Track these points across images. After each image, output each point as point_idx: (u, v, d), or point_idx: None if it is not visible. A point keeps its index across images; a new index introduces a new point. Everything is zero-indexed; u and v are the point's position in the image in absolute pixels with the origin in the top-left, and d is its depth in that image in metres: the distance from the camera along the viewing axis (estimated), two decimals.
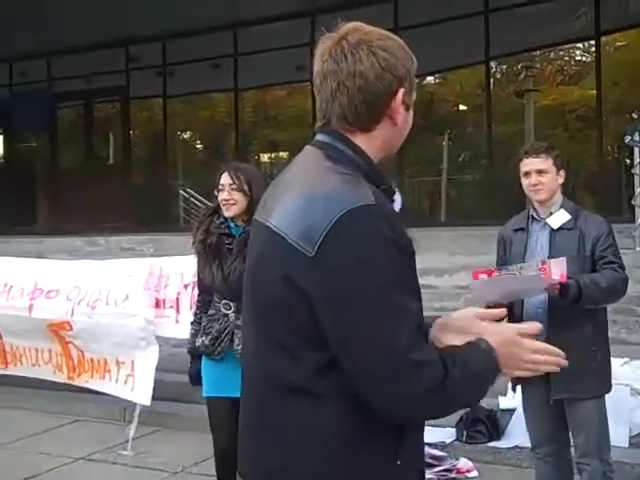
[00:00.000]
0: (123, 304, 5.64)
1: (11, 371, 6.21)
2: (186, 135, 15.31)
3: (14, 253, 6.87)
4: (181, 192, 13.58)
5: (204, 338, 3.74)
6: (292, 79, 12.96)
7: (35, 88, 14.36)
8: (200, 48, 12.70)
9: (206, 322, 3.77)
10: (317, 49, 1.61)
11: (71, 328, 5.73)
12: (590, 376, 3.32)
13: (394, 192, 1.62)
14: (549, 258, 3.31)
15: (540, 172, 3.44)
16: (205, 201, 12.96)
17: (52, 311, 5.79)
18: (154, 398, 5.45)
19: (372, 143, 1.59)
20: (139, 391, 5.50)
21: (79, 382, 5.84)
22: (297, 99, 13.85)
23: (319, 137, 1.63)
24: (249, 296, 1.63)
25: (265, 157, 15.27)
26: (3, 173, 14.68)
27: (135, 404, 5.54)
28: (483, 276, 3.41)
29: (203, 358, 3.83)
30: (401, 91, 1.58)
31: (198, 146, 15.68)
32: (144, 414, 5.54)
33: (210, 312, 3.78)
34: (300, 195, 1.53)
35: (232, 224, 3.76)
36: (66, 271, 6.11)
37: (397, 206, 1.63)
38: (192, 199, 13.39)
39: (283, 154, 14.75)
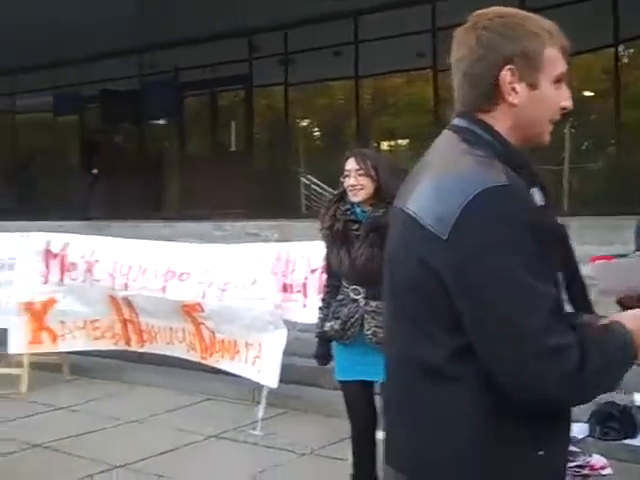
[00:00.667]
0: (251, 288, 5.79)
1: (147, 349, 6.47)
2: (307, 123, 15.44)
3: (146, 237, 7.11)
4: (302, 179, 13.74)
5: (333, 322, 3.80)
6: (412, 66, 12.89)
7: (163, 78, 14.86)
8: (321, 36, 12.80)
9: (335, 307, 3.83)
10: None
11: (203, 310, 5.92)
12: None
13: (536, 175, 1.60)
14: None
15: None
16: (326, 187, 13.14)
17: (184, 293, 6.00)
18: (281, 381, 5.57)
19: (499, 126, 1.57)
20: (266, 373, 5.63)
21: (211, 362, 6.03)
22: (417, 86, 13.75)
23: (455, 121, 1.64)
24: (388, 282, 1.65)
25: (385, 144, 15.24)
26: (134, 160, 15.24)
27: (263, 385, 5.67)
28: (600, 261, 3.32)
29: (334, 342, 3.89)
30: (506, 70, 1.54)
31: (318, 133, 15.78)
32: (272, 396, 5.67)
33: (339, 297, 3.84)
34: (434, 178, 1.54)
35: (358, 209, 3.79)
36: (197, 255, 6.30)
37: (538, 195, 1.59)
38: (313, 186, 13.54)
39: (402, 141, 14.69)
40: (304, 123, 15.42)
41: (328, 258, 3.92)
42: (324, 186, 13.20)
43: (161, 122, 15.67)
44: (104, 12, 11.96)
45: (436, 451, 1.53)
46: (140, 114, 15.48)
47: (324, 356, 4.03)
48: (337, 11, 12.17)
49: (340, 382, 3.91)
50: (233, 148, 15.33)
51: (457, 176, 1.50)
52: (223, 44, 13.77)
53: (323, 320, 3.96)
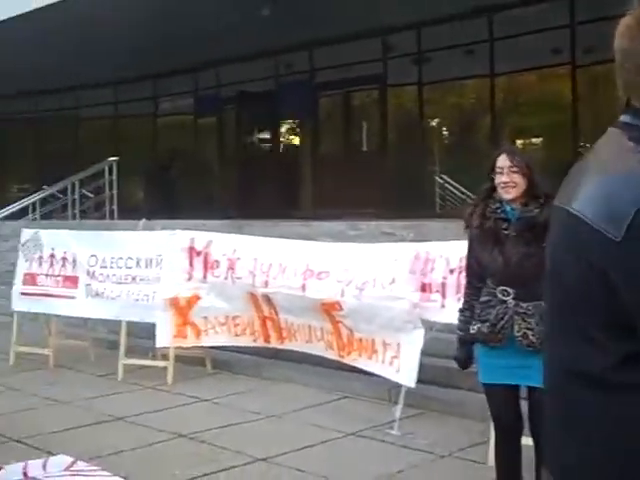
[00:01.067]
0: (390, 287, 5.80)
1: (287, 346, 6.60)
2: (440, 121, 15.32)
3: (284, 236, 7.24)
4: (437, 178, 13.65)
5: (480, 325, 3.73)
6: (548, 63, 12.57)
7: (298, 79, 15.11)
8: (455, 34, 12.69)
9: (481, 309, 3.76)
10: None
11: (341, 308, 5.99)
12: None
13: None
14: None
15: None
16: (460, 187, 13.01)
17: (323, 291, 6.08)
18: (418, 381, 5.55)
19: None
20: (404, 373, 5.63)
21: (348, 360, 6.08)
22: (552, 84, 13.40)
23: (621, 117, 1.57)
24: (549, 284, 1.61)
25: (519, 143, 14.93)
26: (272, 160, 15.56)
27: (400, 385, 5.67)
28: None
29: (479, 345, 3.83)
30: None
31: (452, 132, 15.63)
32: (409, 396, 5.66)
33: (484, 299, 3.77)
34: (600, 178, 1.48)
35: (508, 208, 3.72)
36: (335, 253, 6.37)
37: None
38: (447, 185, 13.43)
39: (536, 140, 14.34)
40: (437, 122, 15.29)
41: (477, 258, 3.85)
42: (458, 186, 13.09)
43: (296, 122, 15.89)
44: (241, 15, 12.28)
45: (595, 464, 1.47)
46: (276, 114, 15.78)
47: (466, 359, 3.98)
48: (472, 8, 12.04)
49: (485, 385, 3.85)
50: (368, 148, 15.39)
51: (625, 176, 1.45)
52: (357, 44, 13.87)
53: (466, 322, 3.89)
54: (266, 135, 16.23)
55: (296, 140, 16.18)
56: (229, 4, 12.13)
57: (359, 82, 14.76)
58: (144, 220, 7.80)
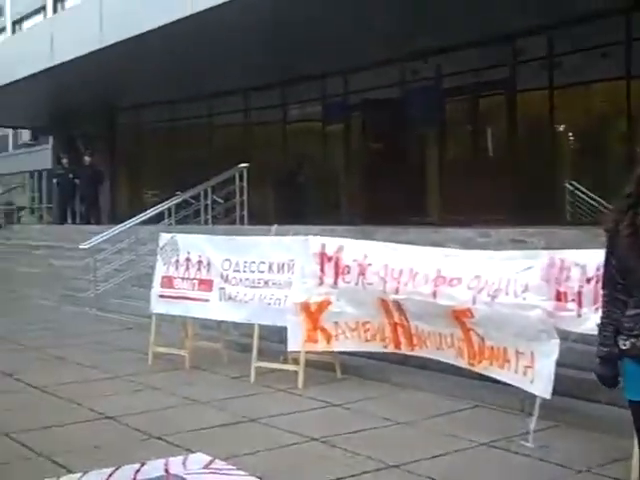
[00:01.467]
0: (523, 295, 5.70)
1: (417, 353, 6.60)
2: (571, 126, 14.92)
3: (413, 243, 7.24)
4: (567, 185, 13.32)
5: (635, 340, 3.58)
6: None
7: (425, 85, 15.08)
8: (588, 37, 12.36)
9: (634, 322, 3.62)
10: None
11: (472, 316, 5.93)
12: None
13: None
14: None
15: None
16: (590, 194, 12.64)
17: (455, 298, 6.05)
18: (552, 392, 5.43)
19: None
20: (539, 383, 5.51)
21: (479, 369, 6.02)
22: None
23: None
24: None
25: None
26: (398, 167, 15.57)
27: (534, 396, 5.56)
28: None
29: (628, 360, 3.67)
30: None
31: (583, 138, 15.18)
32: (542, 407, 5.54)
33: (631, 312, 3.63)
34: None
35: None
36: (466, 260, 6.31)
37: None
38: (577, 192, 13.08)
39: None
40: (567, 127, 14.90)
41: (625, 268, 3.70)
42: (589, 193, 12.72)
43: (423, 129, 15.82)
44: (369, 23, 12.37)
45: None
46: (402, 121, 15.79)
47: (613, 377, 3.81)
48: (607, 9, 11.70)
49: (633, 402, 3.70)
50: (494, 153, 15.18)
51: None
52: (485, 49, 13.73)
53: (610, 338, 3.74)
54: (392, 142, 16.22)
55: (422, 146, 16.10)
56: (355, 13, 12.25)
57: (486, 87, 14.60)
58: (276, 225, 7.98)
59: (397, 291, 6.47)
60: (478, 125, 15.25)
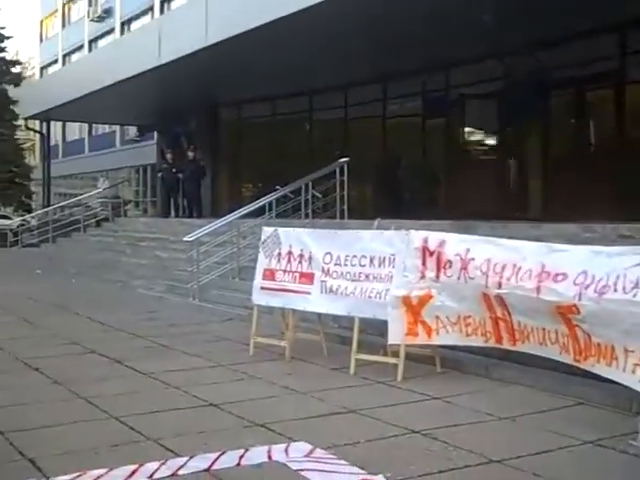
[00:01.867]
0: (633, 292, 5.54)
1: (519, 348, 6.50)
2: None
3: (514, 238, 7.12)
4: None
5: None
6: None
7: (528, 79, 14.80)
8: None
9: None
10: None
11: (578, 312, 5.80)
12: None
13: None
14: None
15: None
16: None
17: (560, 294, 5.92)
18: None
19: None
20: None
21: (585, 365, 5.89)
22: None
23: None
24: None
25: None
26: (501, 162, 15.34)
27: None
28: None
29: None
30: None
31: None
32: None
33: None
34: None
35: None
36: (572, 256, 6.17)
37: None
38: None
39: None
40: None
41: None
42: None
43: (525, 122, 15.51)
44: (471, 16, 12.24)
45: None
46: (504, 115, 15.55)
47: None
48: None
49: None
50: (600, 147, 14.77)
51: None
52: (591, 40, 13.38)
53: None
54: (493, 136, 16.01)
55: (525, 141, 15.80)
56: (453, 9, 12.15)
57: (593, 80, 14.22)
58: (379, 219, 7.99)
59: (500, 286, 6.39)
60: (584, 119, 14.86)
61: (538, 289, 6.09)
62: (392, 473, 4.56)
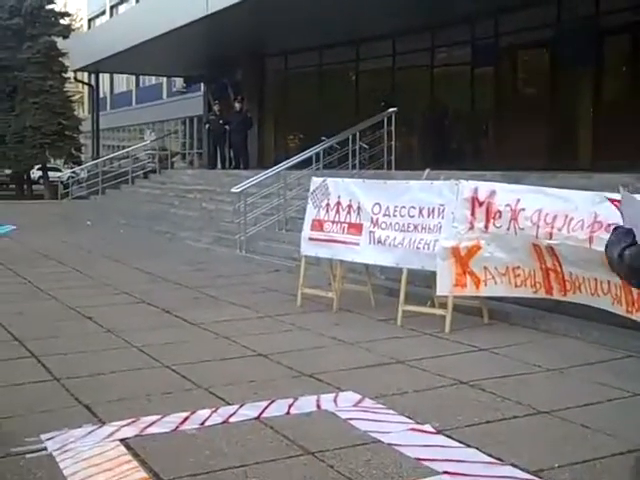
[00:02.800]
0: None
1: (570, 298, 6.45)
2: None
3: (565, 188, 7.01)
4: None
5: None
6: None
7: (579, 24, 14.42)
8: None
9: None
10: None
11: None
12: None
13: None
14: None
15: None
16: None
17: None
18: None
19: None
20: None
21: (637, 317, 5.83)
22: None
23: None
24: None
25: None
26: (549, 110, 15.05)
27: None
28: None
29: None
30: None
31: None
32: None
33: None
34: None
35: None
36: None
37: None
38: None
39: None
40: None
41: None
42: None
43: (577, 69, 15.15)
44: None
45: None
46: (554, 63, 15.20)
47: None
48: None
49: None
50: None
51: None
52: None
53: None
54: (544, 84, 15.65)
55: (575, 89, 15.44)
56: None
57: None
58: (428, 170, 7.92)
59: (551, 236, 6.31)
60: (637, 66, 14.45)
61: (590, 239, 6.01)
62: (440, 423, 4.60)
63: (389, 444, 4.28)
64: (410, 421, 4.67)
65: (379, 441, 4.34)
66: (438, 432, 4.47)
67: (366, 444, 4.30)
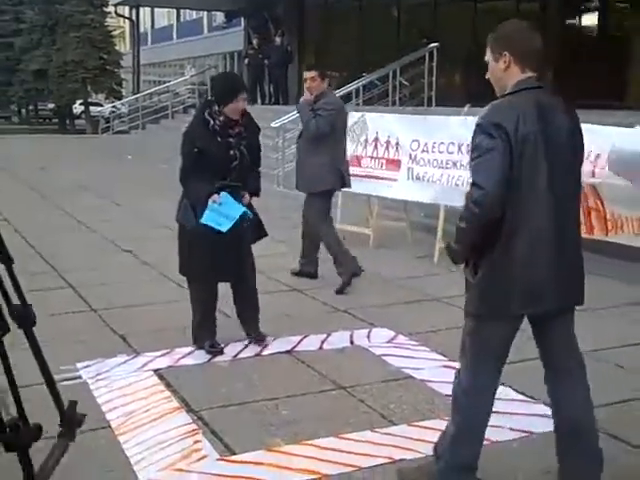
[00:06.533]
0: None
1: (612, 238, 6.32)
2: None
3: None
4: None
5: None
6: None
7: None
8: None
9: None
10: None
11: None
12: None
13: None
14: None
15: None
16: None
17: None
18: None
19: None
20: None
21: None
22: None
23: None
24: None
25: None
26: (599, 45, 14.60)
27: None
28: None
29: None
30: None
31: None
32: None
33: None
34: None
35: None
36: None
37: None
38: None
39: None
40: None
41: None
42: None
43: (627, 7, 14.63)
44: None
45: None
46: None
47: None
48: None
49: None
50: None
51: None
52: None
53: None
54: (593, 18, 15.15)
55: (628, 21, 14.91)
56: None
57: None
58: (468, 106, 7.74)
59: (593, 175, 6.16)
60: None
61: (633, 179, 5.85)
62: None
63: (421, 380, 4.27)
64: (443, 358, 4.65)
65: (411, 377, 4.33)
66: None
67: (398, 380, 4.29)
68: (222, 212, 4.50)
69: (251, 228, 4.86)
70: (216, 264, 4.65)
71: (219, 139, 4.65)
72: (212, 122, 4.67)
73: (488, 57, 3.04)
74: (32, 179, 14.08)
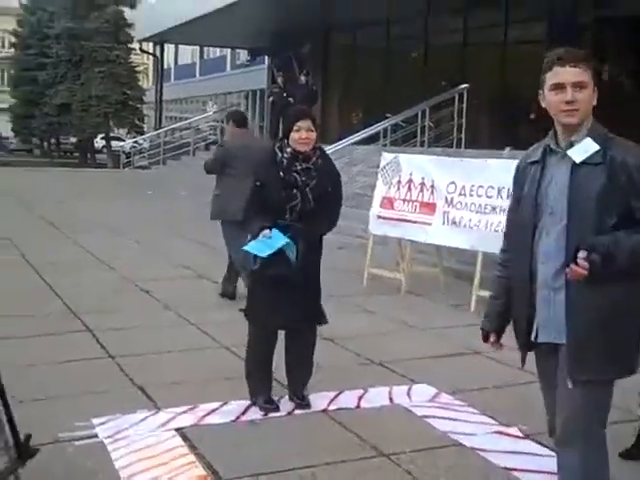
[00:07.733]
0: None
1: None
2: None
3: None
4: None
5: None
6: None
7: None
8: None
9: None
10: None
11: None
12: None
13: None
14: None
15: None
16: None
17: None
18: None
19: None
20: None
21: None
22: None
23: None
24: None
25: None
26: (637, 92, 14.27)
27: None
28: None
29: None
30: None
31: None
32: None
33: None
34: None
35: None
36: None
37: None
38: None
39: None
40: None
41: None
42: None
43: None
44: None
45: None
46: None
47: None
48: None
49: None
50: None
51: None
52: None
53: None
54: (629, 64, 14.84)
55: None
56: None
57: None
58: (509, 148, 7.41)
59: None
60: None
61: None
62: (528, 426, 4.15)
63: (472, 448, 3.86)
64: (493, 422, 4.24)
65: (461, 444, 3.92)
66: (526, 436, 4.03)
67: (446, 447, 3.89)
68: (267, 242, 4.20)
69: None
70: (277, 308, 4.30)
71: (282, 174, 4.30)
72: (280, 155, 4.35)
73: (584, 79, 2.69)
74: (50, 213, 13.81)
